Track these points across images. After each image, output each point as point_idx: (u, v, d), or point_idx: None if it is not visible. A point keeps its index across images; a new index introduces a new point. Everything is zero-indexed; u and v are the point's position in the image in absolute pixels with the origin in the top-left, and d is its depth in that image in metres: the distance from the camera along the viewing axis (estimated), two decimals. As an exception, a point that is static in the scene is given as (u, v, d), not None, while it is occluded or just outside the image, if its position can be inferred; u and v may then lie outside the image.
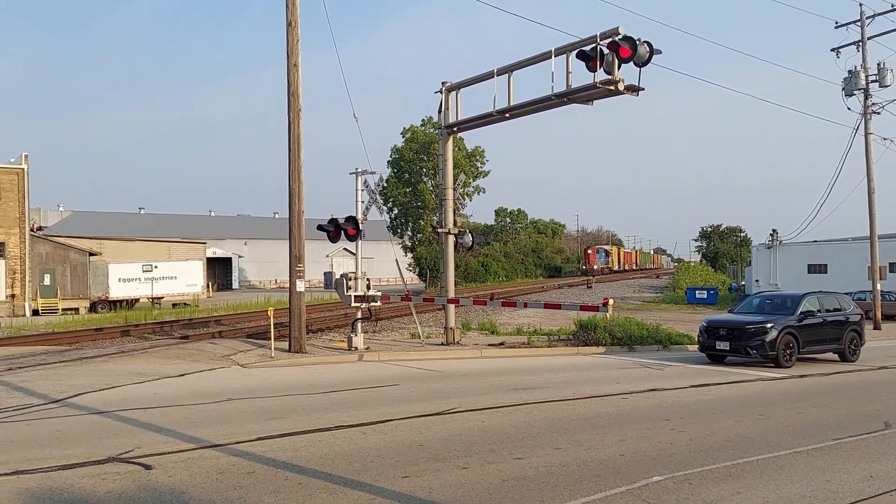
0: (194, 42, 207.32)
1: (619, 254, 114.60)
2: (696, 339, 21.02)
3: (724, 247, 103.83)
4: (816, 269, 51.24)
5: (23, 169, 46.40)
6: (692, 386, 15.09)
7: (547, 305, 19.96)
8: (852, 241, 49.61)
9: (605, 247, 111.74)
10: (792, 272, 51.52)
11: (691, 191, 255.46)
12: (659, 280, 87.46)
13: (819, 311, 20.07)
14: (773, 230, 53.41)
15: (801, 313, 19.47)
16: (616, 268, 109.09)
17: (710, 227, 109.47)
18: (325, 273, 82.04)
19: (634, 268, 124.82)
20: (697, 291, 53.92)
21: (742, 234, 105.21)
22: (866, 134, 35.27)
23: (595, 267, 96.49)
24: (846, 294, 23.93)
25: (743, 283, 62.24)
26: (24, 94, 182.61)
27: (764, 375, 17.11)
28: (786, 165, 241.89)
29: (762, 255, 54.74)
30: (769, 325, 18.70)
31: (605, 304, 16.04)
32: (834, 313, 20.48)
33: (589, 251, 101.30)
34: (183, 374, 15.64)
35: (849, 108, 35.54)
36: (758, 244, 57.72)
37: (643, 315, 33.08)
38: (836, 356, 20.69)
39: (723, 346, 19.21)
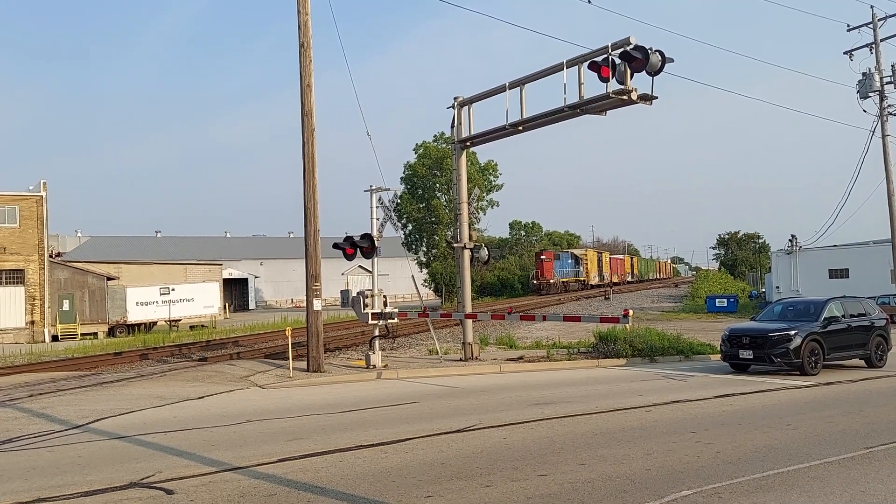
0: (208, 69, 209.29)
1: (601, 261, 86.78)
2: (719, 348, 20.80)
3: (742, 254, 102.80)
4: (838, 273, 50.64)
5: (41, 196, 46.86)
6: (717, 396, 14.87)
7: (566, 318, 19.75)
8: (873, 245, 49.02)
9: (576, 251, 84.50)
10: (813, 278, 50.96)
11: (707, 198, 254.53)
12: (677, 289, 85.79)
13: (843, 316, 19.81)
14: (793, 235, 52.75)
15: (825, 319, 19.22)
16: (596, 281, 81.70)
17: (728, 234, 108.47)
18: (341, 291, 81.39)
19: (630, 279, 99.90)
20: (717, 300, 53.45)
21: (760, 241, 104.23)
22: (883, 136, 34.95)
23: (552, 280, 70.34)
24: (870, 298, 23.58)
25: (763, 290, 61.53)
26: (43, 123, 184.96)
27: (789, 384, 16.86)
28: (803, 170, 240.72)
29: (782, 261, 54.16)
30: (793, 333, 18.46)
31: (626, 316, 15.83)
32: (858, 318, 20.19)
33: (542, 256, 72.16)
34: (202, 397, 15.60)
35: (865, 111, 35.30)
36: (777, 250, 57.03)
37: (663, 325, 32.79)
38: (862, 362, 20.37)
39: (746, 354, 18.98)
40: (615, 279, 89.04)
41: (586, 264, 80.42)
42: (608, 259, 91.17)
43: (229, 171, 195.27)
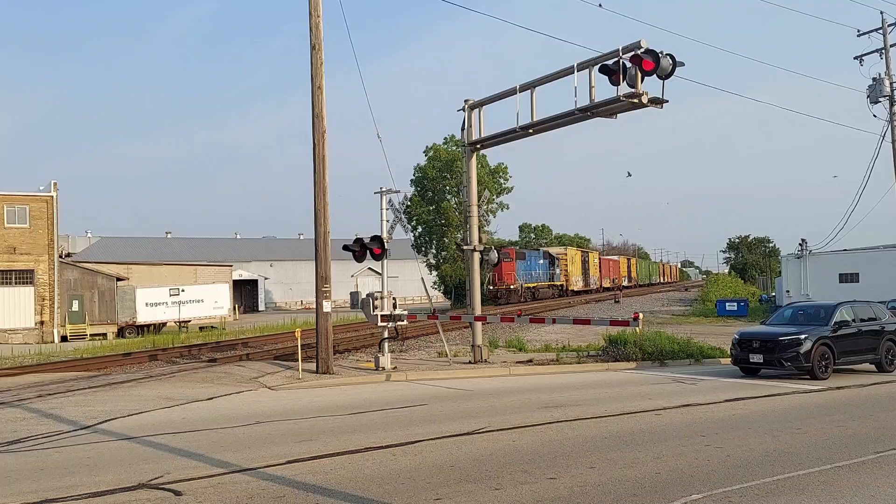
0: (220, 69, 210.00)
1: (586, 262, 73.02)
2: (729, 352, 20.71)
3: (752, 258, 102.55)
4: (848, 278, 50.27)
5: (52, 196, 47.01)
6: (727, 400, 14.80)
7: (576, 321, 19.76)
8: (883, 250, 48.78)
9: (551, 249, 69.78)
10: (823, 282, 50.62)
11: (718, 202, 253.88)
12: (688, 293, 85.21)
13: (854, 320, 19.67)
14: (803, 240, 52.38)
15: (836, 323, 19.09)
16: (579, 286, 68.87)
17: (738, 238, 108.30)
18: (350, 293, 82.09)
19: (627, 283, 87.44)
20: (727, 304, 53.23)
21: (770, 245, 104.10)
22: (893, 140, 34.86)
23: (512, 286, 57.42)
24: (880, 303, 23.44)
25: (773, 294, 61.29)
26: (54, 123, 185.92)
27: (799, 388, 16.77)
28: (813, 174, 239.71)
29: (792, 265, 53.82)
30: (803, 337, 18.35)
31: (636, 319, 15.80)
32: (869, 323, 20.06)
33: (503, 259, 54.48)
34: (211, 398, 15.63)
35: (875, 116, 35.24)
36: (787, 254, 56.73)
37: (673, 329, 32.66)
38: (872, 367, 20.26)
39: (756, 358, 18.88)
40: (606, 283, 77.76)
41: (565, 266, 67.40)
42: (596, 260, 78.13)
43: (239, 173, 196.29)
